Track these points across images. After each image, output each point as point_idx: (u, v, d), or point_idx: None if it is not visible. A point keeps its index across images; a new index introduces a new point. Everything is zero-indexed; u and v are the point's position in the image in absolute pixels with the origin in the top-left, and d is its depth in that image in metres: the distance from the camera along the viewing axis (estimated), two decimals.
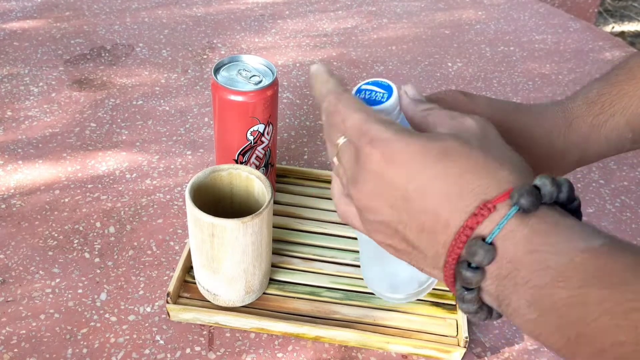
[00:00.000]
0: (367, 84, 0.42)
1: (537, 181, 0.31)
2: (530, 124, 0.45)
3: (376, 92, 0.41)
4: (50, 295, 0.59)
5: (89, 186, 0.71)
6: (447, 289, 0.60)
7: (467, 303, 0.33)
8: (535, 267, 0.30)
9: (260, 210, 0.51)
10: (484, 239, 0.31)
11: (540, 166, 0.43)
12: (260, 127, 0.59)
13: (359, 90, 0.42)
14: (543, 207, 0.31)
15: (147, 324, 0.57)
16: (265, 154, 0.62)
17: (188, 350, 0.55)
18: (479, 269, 0.31)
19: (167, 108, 0.85)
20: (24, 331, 0.55)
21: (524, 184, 0.31)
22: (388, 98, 0.41)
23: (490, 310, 0.34)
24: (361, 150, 0.35)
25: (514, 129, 0.44)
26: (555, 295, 0.29)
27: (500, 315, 0.34)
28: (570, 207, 0.33)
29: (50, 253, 0.63)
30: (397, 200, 0.34)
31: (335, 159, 0.39)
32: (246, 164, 0.61)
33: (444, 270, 0.34)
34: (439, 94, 0.44)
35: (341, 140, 0.38)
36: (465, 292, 0.33)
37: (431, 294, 0.60)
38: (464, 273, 0.32)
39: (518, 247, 0.30)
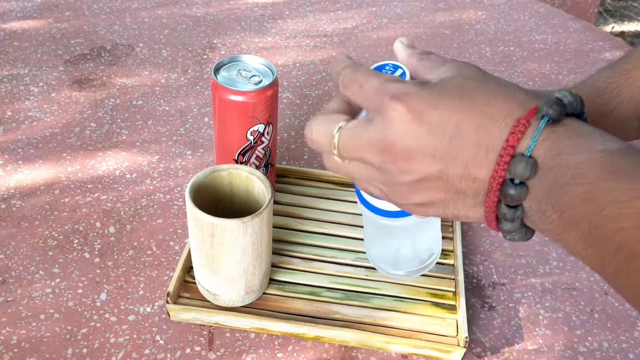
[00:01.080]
0: (378, 66, 0.43)
1: (558, 94, 0.33)
2: None
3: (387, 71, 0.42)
4: (50, 296, 0.59)
5: (89, 186, 0.71)
6: (447, 288, 0.60)
7: (511, 222, 0.34)
8: (558, 168, 0.32)
9: (260, 210, 0.51)
10: (522, 155, 0.32)
11: None
12: (260, 127, 0.59)
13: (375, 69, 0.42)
14: (566, 118, 0.33)
15: (147, 324, 0.57)
16: (265, 154, 0.62)
17: (188, 350, 0.55)
18: (523, 184, 0.33)
19: (167, 108, 0.85)
20: (24, 331, 0.55)
21: (548, 98, 0.33)
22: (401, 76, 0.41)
23: (528, 229, 0.35)
24: (385, 111, 0.35)
25: None
26: (571, 192, 0.31)
27: (533, 232, 0.36)
28: (583, 118, 0.35)
29: (50, 253, 0.63)
30: (436, 149, 0.34)
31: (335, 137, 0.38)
32: (246, 164, 0.61)
33: (486, 201, 0.34)
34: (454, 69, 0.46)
35: (342, 124, 0.38)
36: (511, 211, 0.34)
37: (431, 294, 0.60)
38: (509, 192, 0.33)
39: (547, 154, 0.32)
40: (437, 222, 0.52)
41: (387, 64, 0.42)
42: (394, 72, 0.41)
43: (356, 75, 0.38)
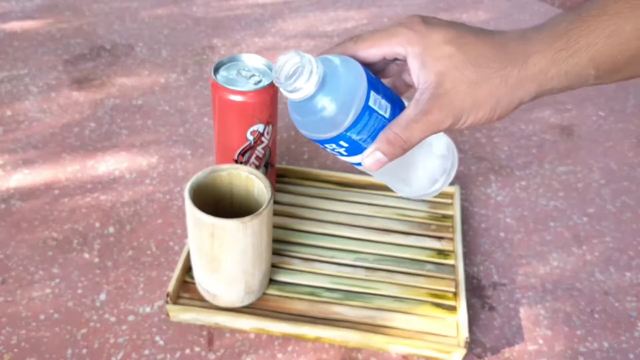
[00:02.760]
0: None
1: None
2: (486, 55, 0.43)
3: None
4: (50, 296, 0.59)
5: (89, 186, 0.71)
6: (448, 289, 0.60)
7: None
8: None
9: (260, 210, 0.51)
10: None
11: (491, 94, 0.43)
12: (260, 127, 0.59)
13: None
14: None
15: (146, 325, 0.57)
16: (265, 154, 0.62)
17: (188, 351, 0.55)
18: None
19: (167, 108, 0.85)
20: (24, 331, 0.55)
21: None
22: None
23: None
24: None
25: (469, 57, 0.43)
26: None
27: None
28: None
29: (50, 253, 0.63)
30: None
31: None
32: (246, 164, 0.61)
33: None
34: (400, 21, 0.45)
35: None
36: None
37: (431, 294, 0.60)
38: None
39: None
40: (438, 143, 0.51)
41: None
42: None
43: None
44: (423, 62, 0.43)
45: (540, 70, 0.43)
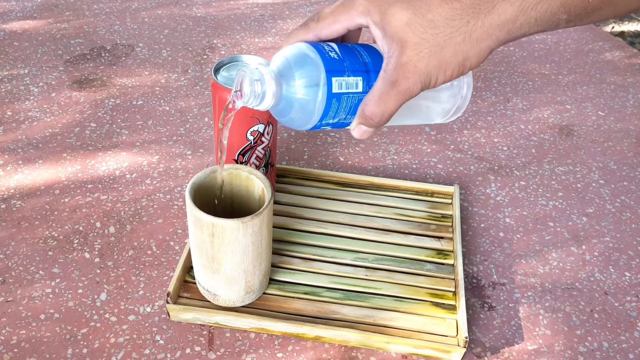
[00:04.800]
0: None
1: None
2: (445, 15, 0.42)
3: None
4: (50, 296, 0.59)
5: (89, 186, 0.71)
6: (447, 288, 0.60)
7: None
8: None
9: (260, 210, 0.51)
10: None
11: (456, 52, 0.42)
12: (260, 127, 0.59)
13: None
14: None
15: (147, 324, 0.57)
16: (265, 154, 0.62)
17: (188, 351, 0.55)
18: None
19: (167, 108, 0.85)
20: (24, 331, 0.55)
21: None
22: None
23: None
24: None
25: (426, 20, 0.42)
26: None
27: None
28: None
29: (50, 253, 0.63)
30: None
31: None
32: (246, 164, 0.61)
33: None
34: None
35: None
36: None
37: (431, 294, 0.60)
38: None
39: None
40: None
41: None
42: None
43: None
44: (384, 31, 0.42)
45: (508, 19, 0.42)
